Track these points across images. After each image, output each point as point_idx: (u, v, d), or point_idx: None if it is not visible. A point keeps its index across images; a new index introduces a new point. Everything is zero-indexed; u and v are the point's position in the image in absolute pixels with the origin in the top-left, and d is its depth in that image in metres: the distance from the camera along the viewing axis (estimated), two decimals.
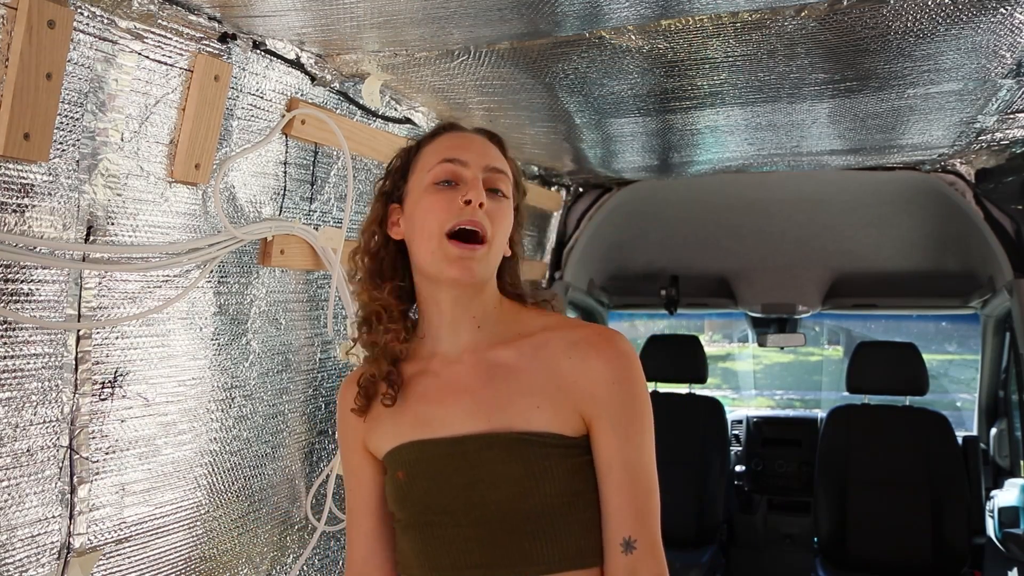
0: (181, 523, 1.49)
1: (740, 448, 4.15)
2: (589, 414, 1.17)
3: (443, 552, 1.17)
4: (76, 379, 1.25)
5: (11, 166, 1.11)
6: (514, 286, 1.30)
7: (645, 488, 1.17)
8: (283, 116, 1.59)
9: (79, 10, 1.14)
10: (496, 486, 1.14)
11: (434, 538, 1.18)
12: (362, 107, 1.80)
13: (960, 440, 3.47)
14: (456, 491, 1.17)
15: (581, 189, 3.23)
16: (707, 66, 1.58)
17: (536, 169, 2.83)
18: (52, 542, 1.24)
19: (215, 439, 1.56)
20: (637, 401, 1.18)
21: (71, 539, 1.27)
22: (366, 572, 1.31)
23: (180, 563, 1.49)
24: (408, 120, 1.99)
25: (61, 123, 1.16)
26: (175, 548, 1.48)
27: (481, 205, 1.16)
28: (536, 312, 1.28)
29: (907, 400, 3.55)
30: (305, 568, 1.84)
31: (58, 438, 1.23)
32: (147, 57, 1.27)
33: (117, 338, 1.33)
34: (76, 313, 1.24)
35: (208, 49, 1.37)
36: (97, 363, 1.29)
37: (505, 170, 1.23)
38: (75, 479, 1.26)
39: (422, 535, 1.20)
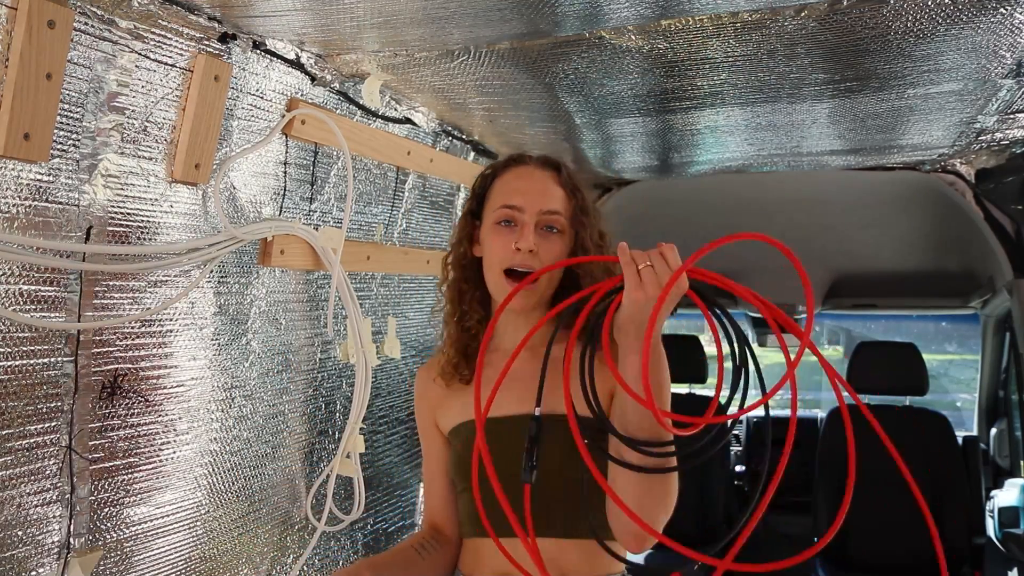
0: (181, 523, 1.49)
1: (740, 448, 4.15)
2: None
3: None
4: (76, 379, 1.25)
5: (11, 166, 1.11)
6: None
7: None
8: (283, 116, 1.59)
9: (79, 10, 1.14)
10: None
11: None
12: (362, 107, 1.80)
13: (960, 440, 3.47)
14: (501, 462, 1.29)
15: None
16: (707, 66, 1.58)
17: None
18: (52, 542, 1.24)
19: (215, 439, 1.56)
20: None
21: (71, 539, 1.27)
22: (438, 522, 1.55)
23: (180, 563, 1.49)
24: (408, 120, 1.98)
25: (61, 123, 1.16)
26: (175, 548, 1.48)
27: (532, 250, 1.37)
28: None
29: (907, 400, 3.55)
30: (305, 568, 1.84)
31: (58, 438, 1.24)
32: (147, 57, 1.27)
33: (117, 338, 1.33)
34: (76, 313, 1.24)
35: (208, 49, 1.37)
36: (97, 363, 1.29)
37: (558, 209, 1.42)
38: (75, 479, 1.26)
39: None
